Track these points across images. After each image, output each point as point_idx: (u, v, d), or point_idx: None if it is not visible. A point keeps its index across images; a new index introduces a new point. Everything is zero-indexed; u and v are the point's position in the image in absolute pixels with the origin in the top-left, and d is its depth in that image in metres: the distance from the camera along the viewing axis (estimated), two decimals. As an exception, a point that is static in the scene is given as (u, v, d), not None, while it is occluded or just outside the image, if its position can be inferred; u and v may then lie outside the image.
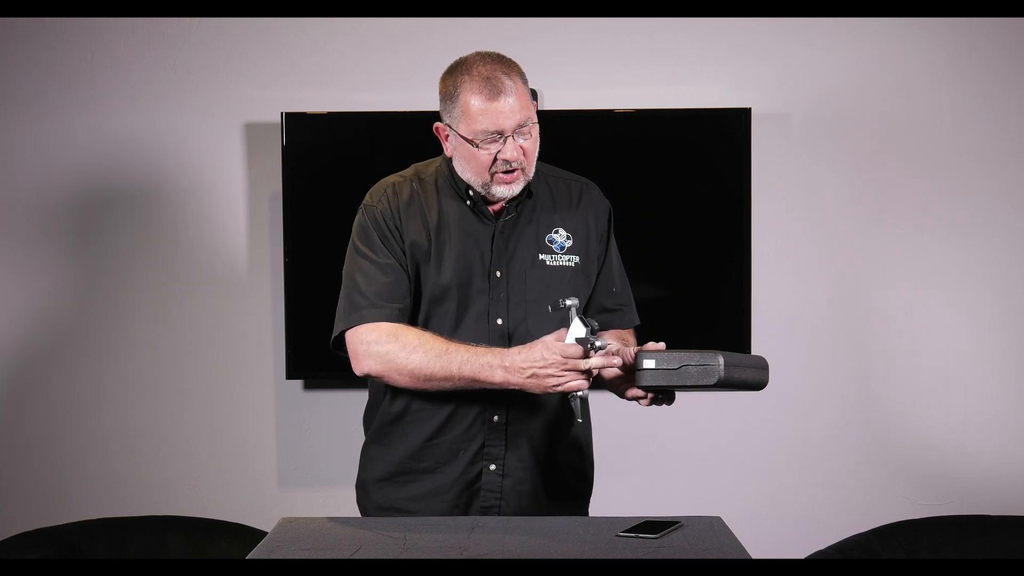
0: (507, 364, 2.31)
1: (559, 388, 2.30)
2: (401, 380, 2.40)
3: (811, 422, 3.60)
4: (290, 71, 3.53)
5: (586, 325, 2.29)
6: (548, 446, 2.51)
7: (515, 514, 2.47)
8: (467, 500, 2.49)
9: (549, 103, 3.47)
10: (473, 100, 2.36)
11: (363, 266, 2.46)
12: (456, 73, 2.40)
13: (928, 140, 3.57)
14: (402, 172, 2.56)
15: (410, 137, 3.16)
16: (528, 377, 2.29)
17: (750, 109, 3.45)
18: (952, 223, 3.58)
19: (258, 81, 3.53)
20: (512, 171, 2.40)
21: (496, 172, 2.40)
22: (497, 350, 2.35)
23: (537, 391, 2.32)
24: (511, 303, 2.46)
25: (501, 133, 2.37)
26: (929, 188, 3.57)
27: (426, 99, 3.24)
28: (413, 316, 2.47)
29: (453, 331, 2.43)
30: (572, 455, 2.56)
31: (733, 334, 3.47)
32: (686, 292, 3.47)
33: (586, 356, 2.27)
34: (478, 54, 2.42)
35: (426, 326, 2.44)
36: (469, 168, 2.43)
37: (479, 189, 2.45)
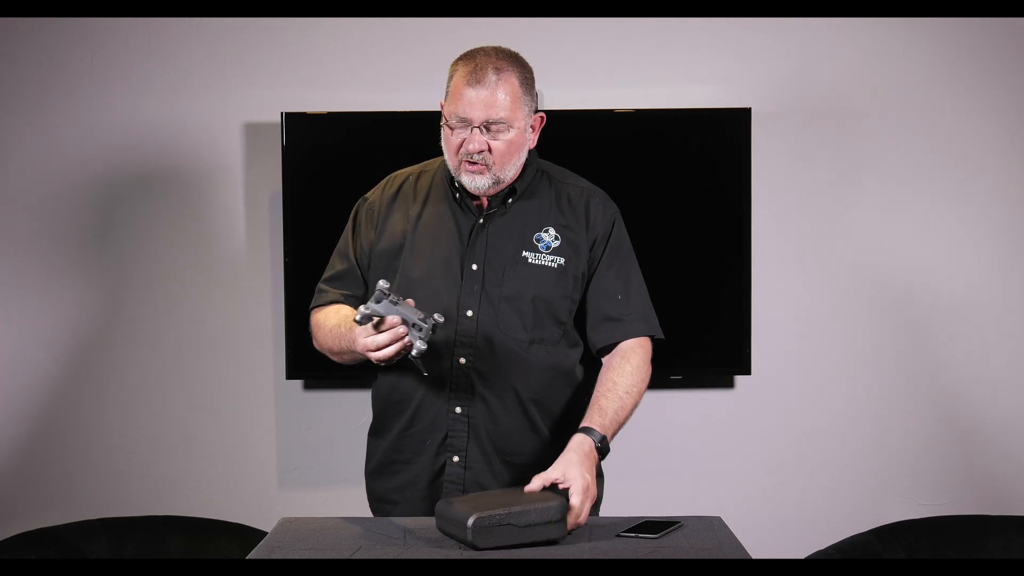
0: (354, 335, 2.39)
1: (368, 356, 2.34)
2: (332, 357, 2.55)
3: (811, 422, 3.60)
4: (290, 71, 3.53)
5: (381, 298, 2.29)
6: (513, 442, 2.49)
7: None
8: (435, 492, 2.50)
9: (549, 103, 3.47)
10: (456, 81, 2.43)
11: (336, 252, 2.63)
12: (464, 55, 2.47)
13: (928, 140, 3.57)
14: (414, 166, 2.65)
15: (410, 137, 3.16)
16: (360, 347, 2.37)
17: (750, 109, 3.45)
18: (953, 223, 3.58)
19: (258, 81, 3.53)
20: (476, 164, 2.43)
21: (463, 160, 2.44)
22: None
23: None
24: (484, 296, 2.46)
25: (469, 122, 2.41)
26: (930, 188, 3.57)
27: (426, 99, 3.25)
28: None
29: None
30: (551, 456, 2.48)
31: (733, 334, 3.47)
32: (686, 292, 3.47)
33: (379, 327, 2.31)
34: (495, 47, 2.47)
35: None
36: (445, 149, 2.49)
37: (453, 173, 2.49)
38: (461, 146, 2.43)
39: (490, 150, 2.42)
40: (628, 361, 2.50)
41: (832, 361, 3.60)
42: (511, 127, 2.42)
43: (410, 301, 2.33)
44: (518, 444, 2.50)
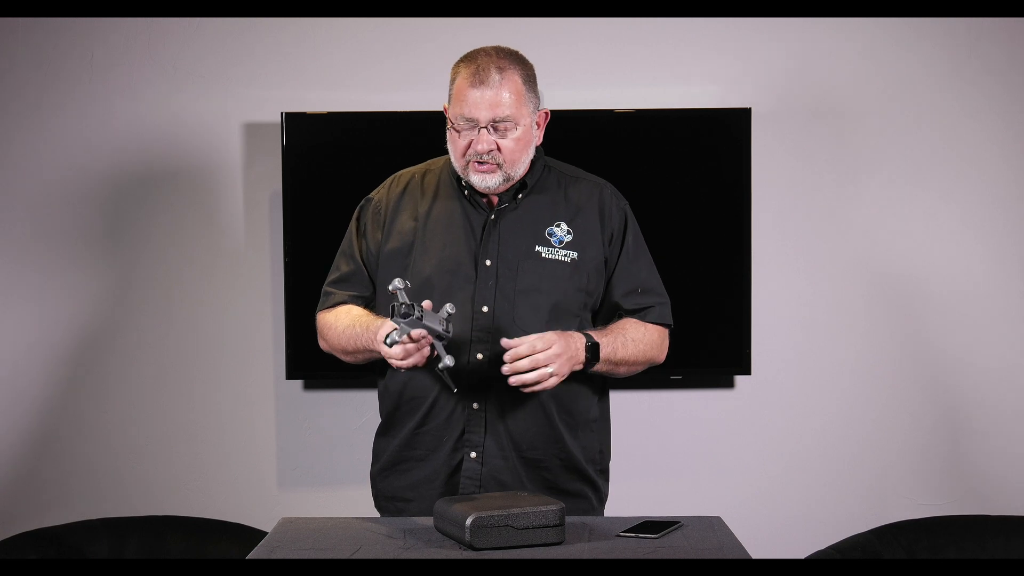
0: (376, 335, 2.40)
1: (390, 360, 2.36)
2: (342, 357, 2.57)
3: (811, 422, 3.60)
4: (290, 71, 3.53)
5: (408, 314, 2.26)
6: (532, 437, 2.50)
7: None
8: (452, 488, 2.51)
9: (549, 103, 3.44)
10: (459, 84, 2.44)
11: (340, 254, 2.63)
12: (464, 57, 2.48)
13: (929, 139, 3.57)
14: (417, 165, 2.65)
15: (410, 137, 3.17)
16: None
17: (750, 109, 3.45)
18: (953, 222, 3.58)
19: (258, 81, 3.53)
20: (486, 163, 2.44)
21: (470, 160, 2.45)
22: (382, 319, 2.43)
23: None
24: (499, 291, 2.47)
25: (475, 122, 2.41)
26: (930, 187, 3.57)
27: (426, 99, 3.25)
28: None
29: None
30: (568, 452, 2.53)
31: (733, 334, 3.47)
32: (686, 292, 3.46)
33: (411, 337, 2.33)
34: (495, 46, 2.48)
35: None
36: (451, 151, 2.49)
37: (460, 174, 2.50)
38: (468, 148, 2.44)
39: (499, 149, 2.43)
40: (644, 325, 2.57)
41: (832, 361, 3.59)
42: (518, 125, 2.44)
43: (427, 303, 2.32)
44: (535, 438, 2.50)
